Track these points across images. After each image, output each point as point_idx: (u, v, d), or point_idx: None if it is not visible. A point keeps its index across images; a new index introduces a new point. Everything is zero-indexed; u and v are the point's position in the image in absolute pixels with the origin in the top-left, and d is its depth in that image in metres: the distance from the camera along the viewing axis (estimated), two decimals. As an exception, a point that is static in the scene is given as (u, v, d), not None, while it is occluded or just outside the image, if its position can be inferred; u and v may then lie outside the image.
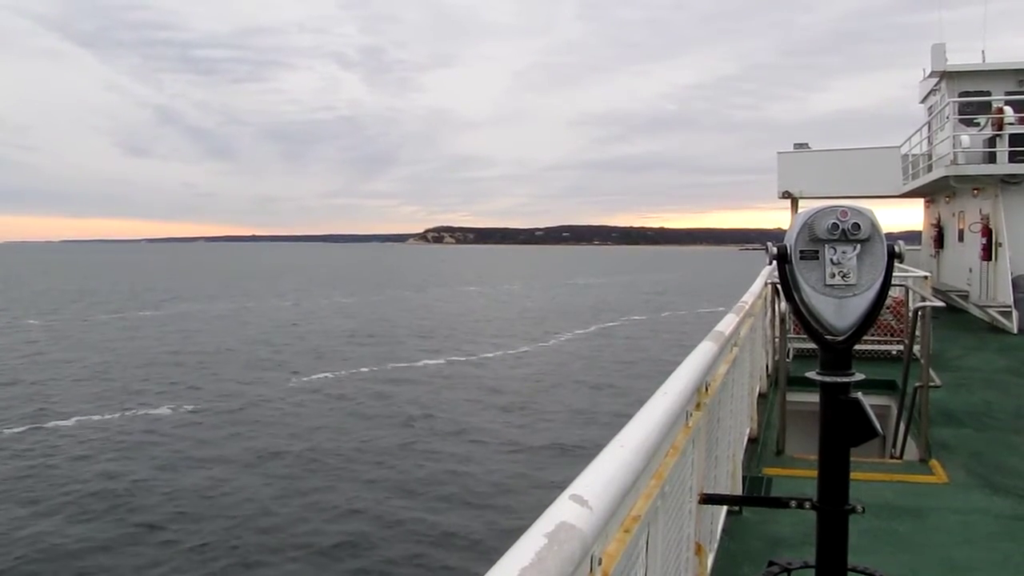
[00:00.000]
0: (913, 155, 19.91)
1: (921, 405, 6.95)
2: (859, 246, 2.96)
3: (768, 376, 9.01)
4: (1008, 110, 15.05)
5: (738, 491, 5.24)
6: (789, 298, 3.11)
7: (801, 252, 3.00)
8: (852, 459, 3.14)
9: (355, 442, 17.88)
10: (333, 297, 63.39)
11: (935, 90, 18.43)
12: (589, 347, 34.54)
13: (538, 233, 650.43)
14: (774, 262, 3.12)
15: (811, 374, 3.13)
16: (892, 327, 11.14)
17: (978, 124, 16.13)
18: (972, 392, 9.11)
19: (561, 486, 1.38)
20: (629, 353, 32.80)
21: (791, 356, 10.15)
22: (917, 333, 7.50)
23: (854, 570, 3.23)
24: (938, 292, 15.59)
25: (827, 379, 3.06)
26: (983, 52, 17.70)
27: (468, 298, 65.53)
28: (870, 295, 2.97)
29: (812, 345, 3.16)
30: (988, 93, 16.39)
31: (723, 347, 3.70)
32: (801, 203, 20.68)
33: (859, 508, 3.07)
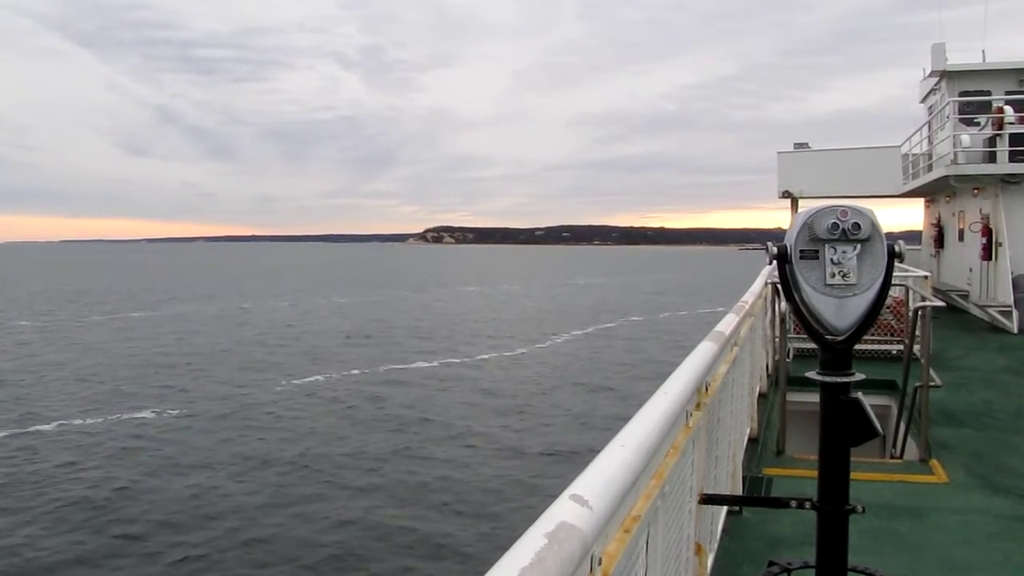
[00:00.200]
0: (913, 155, 19.91)
1: (921, 405, 6.95)
2: (859, 246, 2.96)
3: (768, 376, 9.00)
4: (1008, 110, 15.05)
5: (738, 491, 5.24)
6: (789, 298, 3.10)
7: (801, 252, 3.00)
8: (852, 459, 3.14)
9: (348, 447, 17.55)
10: (331, 297, 63.10)
11: (935, 90, 18.43)
12: (588, 348, 34.34)
13: (538, 233, 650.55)
14: (774, 262, 3.12)
15: (811, 374, 3.13)
16: (892, 327, 11.14)
17: (978, 124, 16.13)
18: (972, 392, 9.11)
19: (557, 491, 1.37)
20: (628, 354, 32.59)
21: (791, 356, 10.15)
22: (917, 333, 7.50)
23: (854, 570, 3.23)
24: (938, 292, 15.59)
25: (827, 379, 3.06)
26: (983, 52, 17.71)
27: (467, 298, 65.27)
28: (870, 295, 2.97)
29: (812, 345, 3.16)
30: (988, 93, 16.39)
31: (723, 347, 3.70)
32: (801, 203, 20.68)
33: (859, 508, 3.07)
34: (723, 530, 4.74)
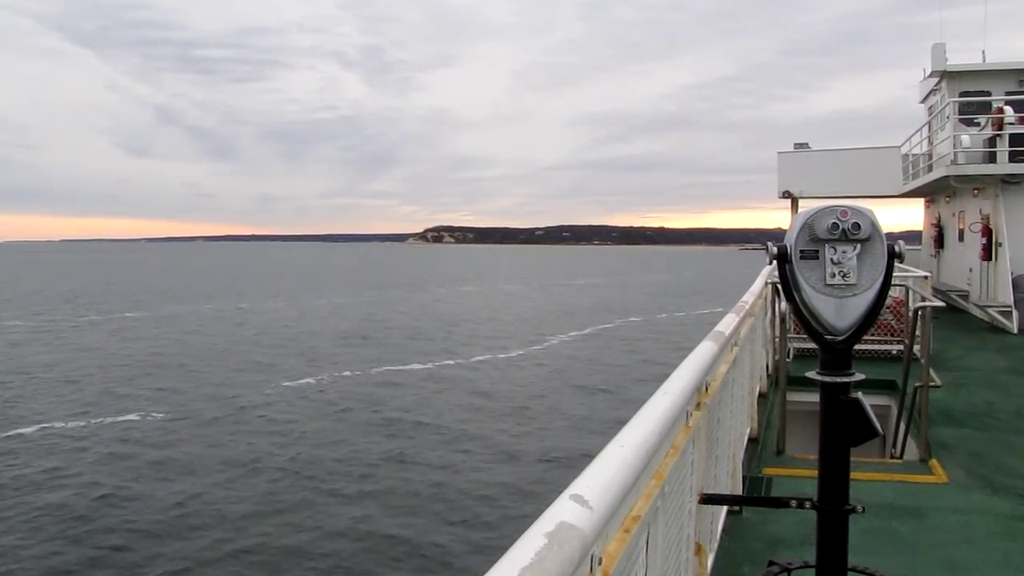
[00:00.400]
0: (913, 155, 19.91)
1: (921, 405, 6.95)
2: (859, 246, 2.97)
3: (768, 376, 9.00)
4: (1008, 110, 15.05)
5: (738, 491, 5.24)
6: (789, 298, 3.11)
7: (801, 252, 3.00)
8: (852, 459, 3.14)
9: (341, 451, 17.27)
10: (328, 297, 62.89)
11: (935, 90, 18.43)
12: (586, 349, 34.18)
13: (538, 233, 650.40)
14: (774, 262, 3.12)
15: (811, 374, 3.13)
16: (892, 327, 11.14)
17: (978, 124, 16.13)
18: (972, 392, 9.11)
19: (554, 496, 1.36)
20: (627, 356, 32.39)
21: (791, 356, 10.16)
22: (917, 333, 7.50)
23: (854, 570, 3.23)
24: (938, 292, 15.59)
25: (827, 379, 3.06)
26: (983, 52, 17.71)
27: (465, 299, 65.07)
28: (870, 295, 2.97)
29: (812, 345, 3.16)
30: (988, 93, 16.38)
31: (723, 347, 3.70)
32: (801, 203, 20.68)
33: (859, 508, 3.07)
34: (723, 530, 4.74)
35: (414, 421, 20.04)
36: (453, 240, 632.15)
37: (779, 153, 22.27)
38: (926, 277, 10.82)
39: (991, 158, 15.13)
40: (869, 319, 3.00)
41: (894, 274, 3.25)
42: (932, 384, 7.45)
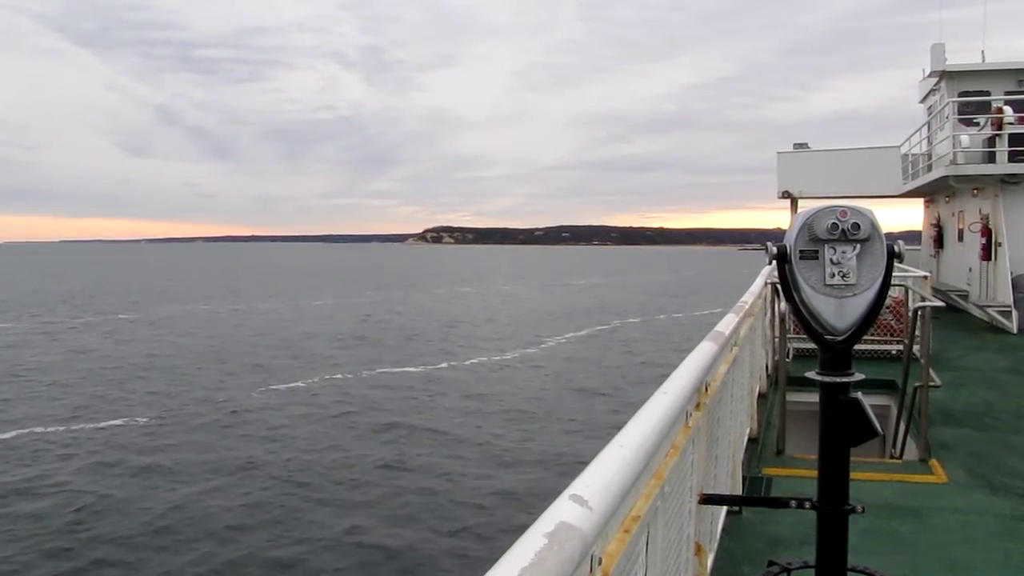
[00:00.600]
0: (913, 155, 19.92)
1: (921, 405, 6.96)
2: (859, 246, 2.97)
3: (768, 376, 9.01)
4: (1008, 110, 15.05)
5: (738, 491, 5.24)
6: (789, 298, 3.11)
7: (801, 252, 3.01)
8: (852, 459, 3.14)
9: (335, 455, 16.89)
10: (325, 298, 62.48)
11: (935, 90, 18.44)
12: (584, 351, 33.89)
13: (537, 233, 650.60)
14: (774, 262, 3.12)
15: (811, 374, 3.13)
16: (892, 327, 11.14)
17: (978, 124, 16.14)
18: (972, 392, 9.11)
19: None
20: (626, 357, 32.04)
21: (791, 356, 10.16)
22: (917, 333, 7.50)
23: (854, 570, 3.23)
24: (938, 292, 15.60)
25: (827, 379, 3.06)
26: (983, 52, 17.73)
27: (463, 300, 64.76)
28: (870, 295, 2.98)
29: (812, 345, 3.16)
30: (988, 93, 16.39)
31: (723, 347, 3.70)
32: (801, 203, 20.68)
33: (859, 508, 3.08)
34: (723, 530, 4.74)
35: (410, 425, 19.67)
36: (452, 240, 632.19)
37: (779, 153, 22.28)
38: (926, 277, 10.83)
39: (990, 158, 15.14)
40: (869, 319, 3.01)
41: (894, 274, 3.26)
42: (932, 384, 7.45)
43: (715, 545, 4.39)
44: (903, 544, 4.87)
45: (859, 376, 3.07)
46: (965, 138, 15.35)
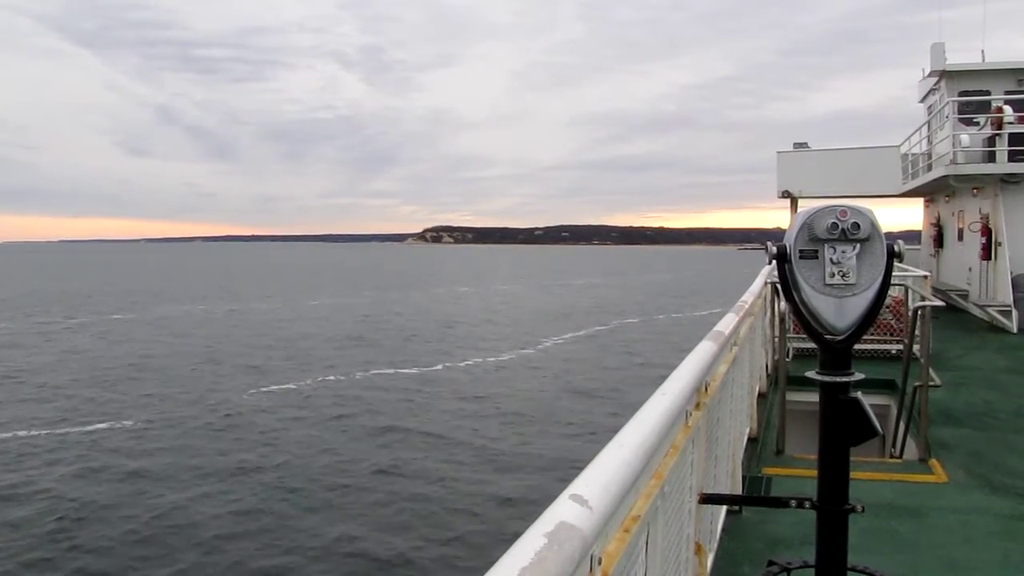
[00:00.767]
0: (913, 154, 19.91)
1: (921, 405, 6.96)
2: (859, 245, 2.97)
3: (768, 376, 9.01)
4: (1007, 109, 15.06)
5: (738, 491, 5.24)
6: (789, 298, 3.11)
7: (801, 252, 3.01)
8: (852, 459, 3.14)
9: (328, 458, 16.63)
10: (323, 298, 62.22)
11: (935, 89, 18.44)
12: (583, 352, 33.65)
13: (537, 233, 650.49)
14: (774, 262, 3.12)
15: (811, 374, 3.13)
16: (892, 326, 11.14)
17: (977, 123, 16.14)
18: (972, 392, 9.11)
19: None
20: (624, 358, 31.76)
21: (791, 356, 10.16)
22: (917, 332, 7.50)
23: (854, 570, 3.23)
24: (938, 291, 15.60)
25: (827, 379, 3.06)
26: (983, 52, 17.72)
27: (462, 300, 64.57)
28: (870, 294, 2.98)
29: (812, 345, 3.16)
30: (987, 92, 16.39)
31: (723, 347, 3.70)
32: (801, 203, 20.68)
33: (859, 508, 3.08)
34: (723, 530, 4.74)
35: (406, 428, 19.37)
36: (452, 240, 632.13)
37: (778, 153, 22.28)
38: (925, 277, 10.83)
39: (990, 157, 15.14)
40: (868, 319, 3.01)
41: (893, 274, 3.26)
42: (932, 384, 7.46)
43: (715, 545, 4.39)
44: (903, 544, 4.87)
45: (859, 376, 3.07)
46: (965, 137, 15.35)
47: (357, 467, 16.17)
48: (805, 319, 3.06)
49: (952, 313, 15.50)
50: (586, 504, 1.31)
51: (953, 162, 15.20)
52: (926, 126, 18.42)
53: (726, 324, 4.12)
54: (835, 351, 3.05)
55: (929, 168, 17.62)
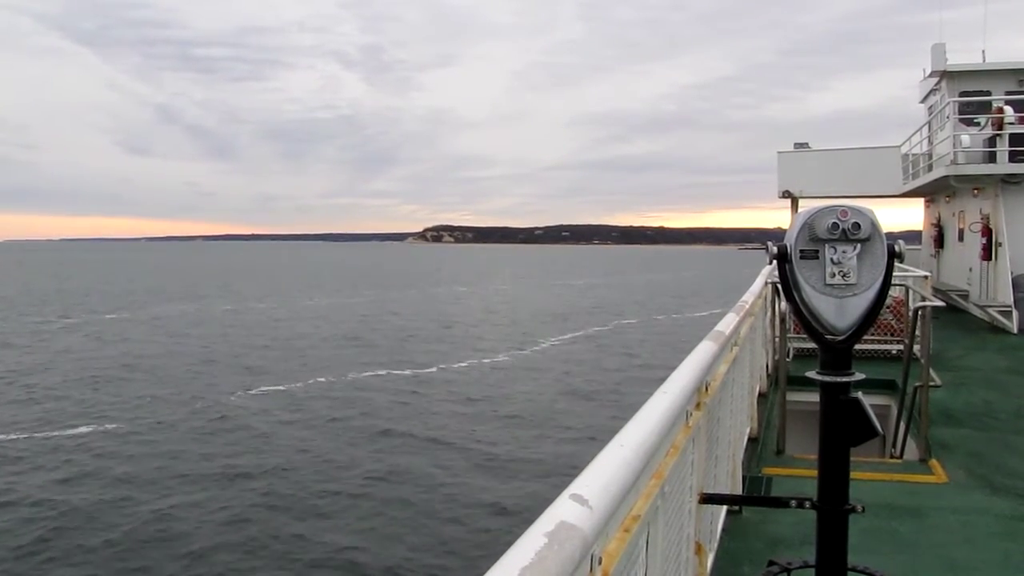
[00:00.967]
0: (913, 155, 19.91)
1: (921, 405, 6.95)
2: (859, 246, 2.97)
3: (768, 376, 9.00)
4: (1008, 110, 15.05)
5: (738, 491, 5.24)
6: (789, 298, 3.11)
7: (801, 252, 3.01)
8: (852, 459, 3.14)
9: (319, 462, 16.31)
10: (321, 298, 61.89)
11: (935, 90, 18.43)
12: (582, 353, 33.41)
13: (537, 232, 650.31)
14: (774, 262, 3.12)
15: (811, 374, 3.13)
16: (892, 327, 11.14)
17: (978, 124, 16.13)
18: (972, 392, 9.11)
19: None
20: (623, 360, 31.47)
21: (791, 356, 10.16)
22: (917, 333, 7.50)
23: (854, 570, 3.23)
24: (938, 292, 15.59)
25: (827, 379, 3.06)
26: (983, 52, 17.71)
27: (461, 300, 64.34)
28: (870, 295, 2.98)
29: (812, 345, 3.17)
30: (988, 93, 16.39)
31: (723, 347, 3.70)
32: (801, 203, 20.67)
33: (859, 508, 3.08)
34: (723, 530, 4.74)
35: (401, 431, 19.06)
36: (452, 240, 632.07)
37: (779, 153, 22.26)
38: (926, 277, 10.82)
39: (991, 158, 15.13)
40: (869, 319, 3.01)
41: (894, 274, 3.26)
42: (932, 384, 7.45)
43: (715, 545, 4.39)
44: (903, 544, 4.87)
45: (859, 376, 3.07)
46: (966, 138, 15.35)
47: (350, 471, 15.82)
48: (806, 319, 3.06)
49: (952, 313, 15.49)
50: (586, 504, 1.31)
51: (954, 162, 15.20)
52: (927, 126, 18.42)
53: (727, 324, 4.12)
54: (835, 351, 3.05)
55: (930, 168, 17.62)
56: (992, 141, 15.23)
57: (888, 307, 10.82)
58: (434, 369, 28.68)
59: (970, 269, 16.68)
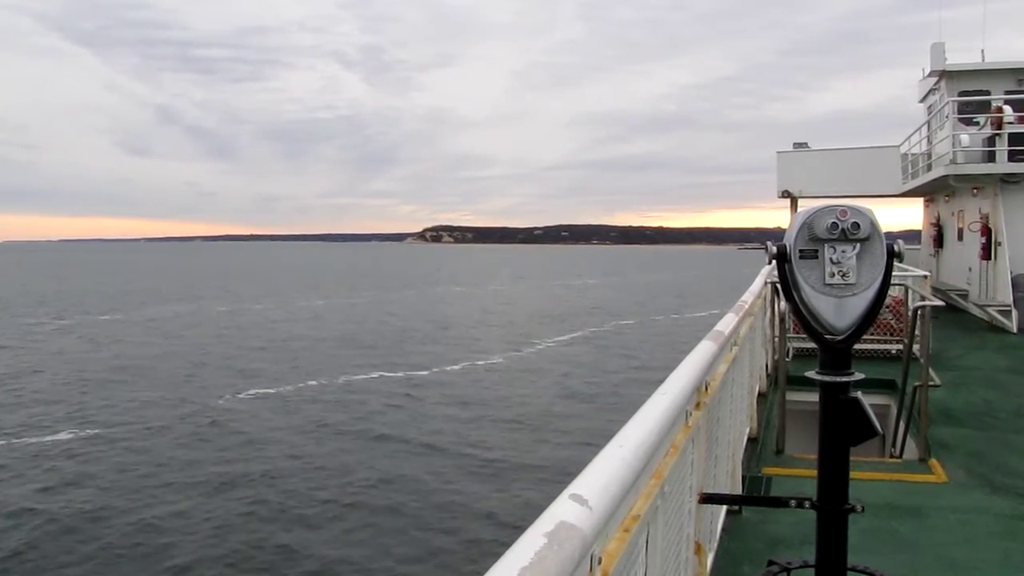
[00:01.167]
0: (912, 154, 19.91)
1: (921, 404, 6.95)
2: (859, 245, 2.97)
3: (768, 375, 9.00)
4: (1007, 109, 15.05)
5: (738, 491, 5.24)
6: (789, 297, 3.11)
7: (801, 251, 3.01)
8: (852, 458, 3.14)
9: (309, 468, 16.03)
10: (317, 299, 61.61)
11: (934, 89, 18.44)
12: (582, 353, 33.29)
13: (537, 232, 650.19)
14: (774, 261, 3.12)
15: (811, 374, 3.13)
16: (892, 326, 11.14)
17: (977, 123, 16.14)
18: (972, 391, 9.11)
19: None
20: (622, 361, 31.24)
21: (791, 355, 10.16)
22: (917, 332, 7.50)
23: (854, 569, 3.23)
24: (937, 291, 15.60)
25: (827, 379, 3.06)
26: (982, 51, 17.72)
27: (460, 300, 64.16)
28: (869, 294, 2.98)
29: (812, 344, 3.17)
30: (987, 92, 16.39)
31: (723, 346, 3.70)
32: (801, 202, 20.67)
33: (859, 508, 3.08)
34: (723, 529, 4.74)
35: (397, 434, 18.81)
36: (452, 240, 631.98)
37: (778, 153, 22.25)
38: (925, 276, 10.82)
39: (990, 157, 15.14)
40: (868, 319, 3.01)
41: (893, 273, 3.26)
42: (932, 383, 7.46)
43: (715, 545, 4.39)
44: (903, 544, 4.87)
45: (859, 376, 3.07)
46: (965, 137, 15.35)
47: (342, 478, 15.53)
48: (805, 319, 3.06)
49: (952, 313, 15.50)
50: (586, 504, 1.31)
51: (953, 162, 15.20)
52: (926, 126, 18.42)
53: (726, 324, 4.12)
54: (835, 351, 3.05)
55: (929, 168, 17.62)
56: (991, 141, 15.24)
57: (887, 307, 10.82)
58: (430, 371, 28.29)
59: (969, 269, 16.68)
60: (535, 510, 1.25)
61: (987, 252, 15.36)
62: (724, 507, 4.72)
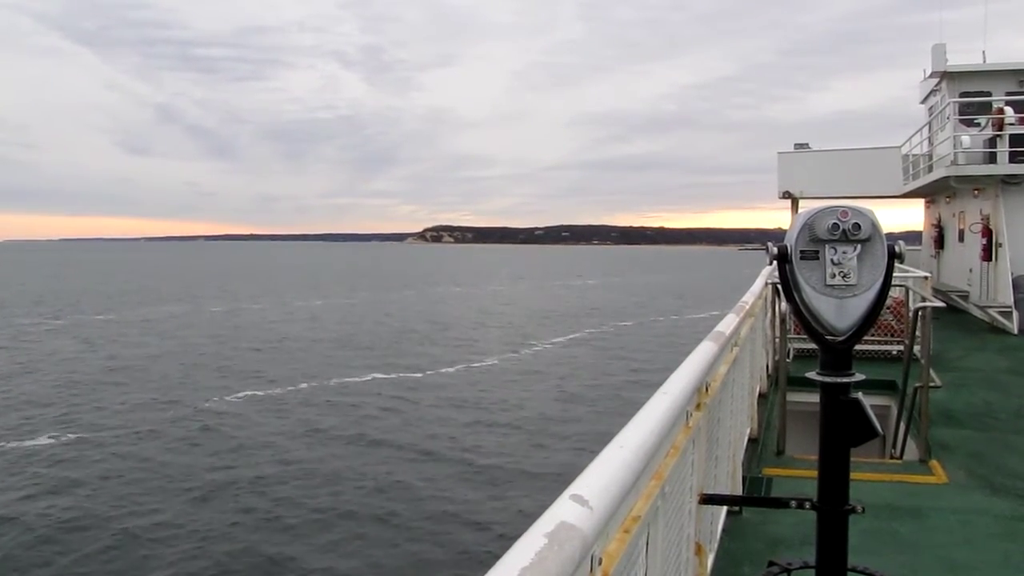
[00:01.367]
0: (913, 155, 19.92)
1: (921, 405, 6.95)
2: (859, 246, 2.97)
3: (768, 376, 9.00)
4: (1008, 110, 15.05)
5: (738, 491, 5.24)
6: (789, 298, 3.11)
7: (801, 252, 3.01)
8: (852, 459, 3.14)
9: (303, 472, 15.80)
10: (315, 299, 61.32)
11: (935, 90, 18.44)
12: (582, 354, 33.15)
13: (537, 232, 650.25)
14: (774, 262, 3.12)
15: (811, 374, 3.13)
16: (892, 327, 11.14)
17: (978, 124, 16.14)
18: (972, 392, 9.11)
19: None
20: (621, 362, 31.01)
21: (791, 356, 10.16)
22: (917, 333, 7.50)
23: (854, 570, 3.23)
24: (938, 292, 15.59)
25: (827, 379, 3.06)
26: (983, 52, 17.73)
27: (459, 300, 64.04)
28: (870, 295, 2.98)
29: (812, 345, 3.16)
30: (988, 93, 16.39)
31: (723, 347, 3.70)
32: (801, 203, 20.67)
33: (859, 508, 3.08)
34: (723, 530, 4.74)
35: (392, 438, 18.53)
36: (452, 240, 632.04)
37: (779, 153, 22.25)
38: (926, 277, 10.83)
39: (991, 158, 15.14)
40: (869, 319, 3.01)
41: (894, 274, 3.26)
42: (932, 384, 7.45)
43: (715, 545, 4.39)
44: (903, 544, 4.87)
45: (859, 376, 3.07)
46: (966, 138, 15.36)
47: (335, 484, 15.29)
48: (806, 320, 3.06)
49: (953, 314, 15.49)
50: (586, 504, 1.31)
51: (954, 163, 15.20)
52: (927, 127, 18.42)
53: (727, 324, 4.12)
54: (836, 352, 3.05)
55: (930, 169, 17.62)
56: (992, 142, 15.24)
57: (888, 308, 10.82)
58: (426, 373, 27.96)
59: (970, 270, 16.68)
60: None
61: (988, 253, 15.36)
62: (724, 508, 4.72)
